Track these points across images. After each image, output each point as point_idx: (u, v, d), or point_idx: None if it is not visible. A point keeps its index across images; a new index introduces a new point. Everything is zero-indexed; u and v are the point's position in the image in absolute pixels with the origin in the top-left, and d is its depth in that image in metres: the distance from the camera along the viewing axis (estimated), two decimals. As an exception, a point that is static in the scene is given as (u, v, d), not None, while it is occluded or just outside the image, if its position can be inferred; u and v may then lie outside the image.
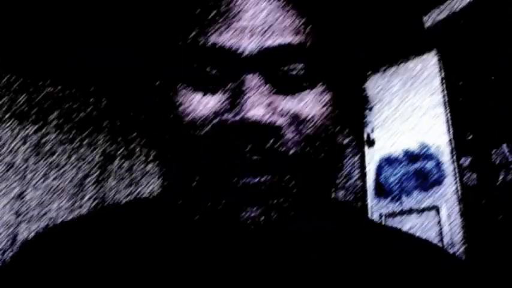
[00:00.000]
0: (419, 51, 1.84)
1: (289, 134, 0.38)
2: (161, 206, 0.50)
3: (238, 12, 0.40)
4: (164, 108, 0.42)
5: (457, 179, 1.63)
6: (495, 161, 1.52)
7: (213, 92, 0.39)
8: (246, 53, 0.38)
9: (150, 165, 3.13)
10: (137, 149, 3.12)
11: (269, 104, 0.38)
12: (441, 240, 1.59)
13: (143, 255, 0.43)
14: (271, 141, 0.37)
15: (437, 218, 1.64)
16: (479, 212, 1.54)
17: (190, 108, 0.39)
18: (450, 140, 1.71)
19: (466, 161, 1.63)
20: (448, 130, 1.72)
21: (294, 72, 0.40)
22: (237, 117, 0.36)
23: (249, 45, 0.38)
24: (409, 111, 1.81)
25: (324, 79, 0.41)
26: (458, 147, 1.67)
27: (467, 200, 1.60)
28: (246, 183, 0.37)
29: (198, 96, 0.39)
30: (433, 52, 1.80)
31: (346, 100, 0.45)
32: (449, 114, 1.73)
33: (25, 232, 2.61)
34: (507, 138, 1.50)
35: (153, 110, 0.46)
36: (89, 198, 2.87)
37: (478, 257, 1.47)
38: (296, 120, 0.39)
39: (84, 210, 2.83)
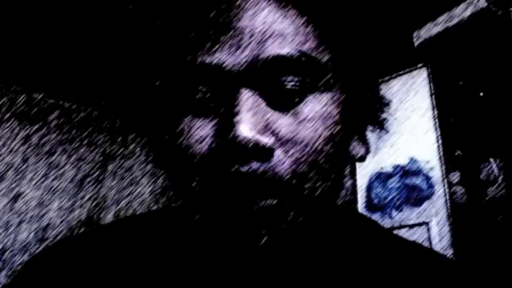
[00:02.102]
0: (408, 68, 1.84)
1: (282, 156, 0.36)
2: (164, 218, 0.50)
3: (227, 27, 0.37)
4: (163, 133, 0.41)
5: (447, 194, 1.61)
6: (484, 177, 1.51)
7: (208, 114, 0.38)
8: (236, 68, 0.36)
9: (150, 165, 3.13)
10: (137, 149, 3.12)
11: (262, 122, 0.36)
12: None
13: (152, 265, 0.43)
14: (261, 164, 0.35)
15: (427, 233, 1.63)
16: (468, 228, 1.53)
17: (185, 133, 0.38)
18: (440, 156, 1.69)
19: (455, 177, 1.61)
20: (438, 146, 1.71)
21: (290, 85, 0.37)
22: (226, 139, 0.34)
23: (238, 60, 0.36)
24: (399, 127, 1.80)
25: (321, 92, 0.39)
26: (448, 163, 1.66)
27: (456, 215, 1.59)
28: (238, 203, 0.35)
29: (192, 120, 0.38)
30: (423, 69, 1.79)
31: (349, 115, 0.43)
32: (438, 130, 1.71)
33: (25, 232, 2.63)
34: (495, 154, 1.49)
35: (156, 132, 0.45)
36: (89, 198, 2.88)
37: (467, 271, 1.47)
38: (292, 138, 0.37)
39: (84, 210, 2.84)
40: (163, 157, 0.44)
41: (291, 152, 0.36)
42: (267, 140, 0.35)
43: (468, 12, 1.50)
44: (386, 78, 1.83)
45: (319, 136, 0.37)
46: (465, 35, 1.62)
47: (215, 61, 0.37)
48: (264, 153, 0.35)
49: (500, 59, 1.51)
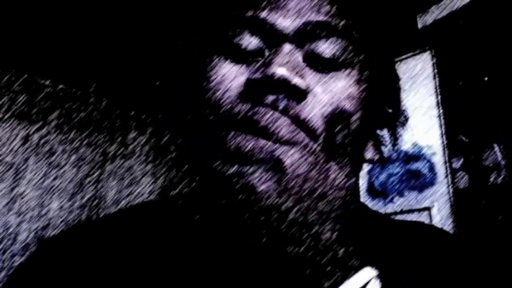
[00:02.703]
0: (413, 52, 1.84)
1: (314, 103, 0.38)
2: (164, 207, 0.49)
3: None
4: (195, 81, 0.43)
5: (449, 180, 1.62)
6: (486, 163, 1.51)
7: (249, 63, 0.40)
8: (285, 28, 0.39)
9: (150, 165, 3.13)
10: (137, 149, 3.11)
11: (299, 71, 0.38)
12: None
13: (154, 256, 0.42)
14: (292, 104, 0.37)
15: (429, 219, 1.63)
16: (470, 214, 1.53)
17: (225, 78, 0.40)
18: (442, 142, 1.70)
19: (458, 163, 1.62)
20: (441, 131, 1.71)
21: (328, 52, 0.40)
22: (262, 74, 0.36)
23: (287, 21, 0.40)
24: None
25: (356, 64, 0.42)
26: (451, 148, 1.66)
27: (458, 201, 1.59)
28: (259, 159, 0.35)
29: (234, 66, 0.40)
30: (427, 53, 1.79)
31: (375, 90, 0.45)
32: (442, 116, 1.72)
33: (25, 232, 2.61)
34: (499, 140, 1.50)
35: (181, 84, 0.47)
36: (89, 198, 2.87)
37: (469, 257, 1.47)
38: (323, 95, 0.38)
39: (84, 210, 2.83)
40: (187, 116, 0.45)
41: (322, 104, 0.38)
42: (301, 82, 0.37)
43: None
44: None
45: (345, 110, 0.40)
46: (469, 18, 1.63)
47: (263, 16, 0.40)
48: (297, 92, 0.37)
49: (504, 44, 1.51)
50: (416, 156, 1.74)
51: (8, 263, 2.49)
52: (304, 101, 0.38)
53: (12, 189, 2.63)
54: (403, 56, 1.82)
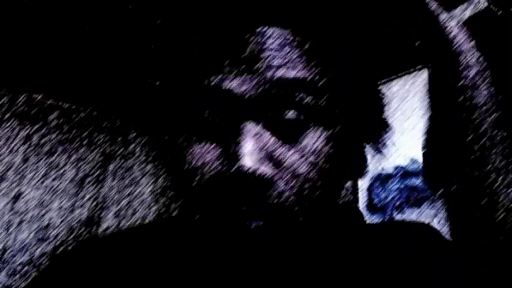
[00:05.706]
0: (409, 69, 1.83)
1: (284, 185, 0.37)
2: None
3: (239, 53, 0.38)
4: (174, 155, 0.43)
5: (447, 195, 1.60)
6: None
7: (214, 140, 0.39)
8: (245, 93, 0.37)
9: (150, 165, 3.13)
10: (137, 149, 3.11)
11: (265, 153, 0.37)
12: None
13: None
14: (263, 192, 0.37)
15: (428, 234, 1.63)
16: (469, 227, 1.53)
17: (190, 158, 0.39)
18: (440, 156, 1.68)
19: (455, 178, 1.61)
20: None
21: (292, 117, 0.38)
22: (231, 168, 0.36)
23: (247, 85, 0.37)
24: (399, 127, 1.79)
25: (320, 125, 0.40)
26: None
27: (457, 215, 1.58)
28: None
29: (199, 144, 0.39)
30: (423, 70, 1.78)
31: (349, 140, 0.45)
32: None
33: (25, 232, 2.63)
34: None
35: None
36: (89, 198, 2.88)
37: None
38: (291, 168, 0.38)
39: (84, 210, 2.84)
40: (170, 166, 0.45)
41: (290, 181, 0.38)
42: (270, 170, 0.37)
43: (468, 13, 1.49)
44: (387, 79, 1.84)
45: (318, 168, 0.39)
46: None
47: (226, 86, 0.38)
48: (266, 183, 0.37)
49: (499, 60, 1.50)
50: (415, 171, 1.73)
51: (8, 263, 2.51)
52: (275, 183, 0.37)
53: (12, 189, 2.63)
54: (399, 73, 1.82)
